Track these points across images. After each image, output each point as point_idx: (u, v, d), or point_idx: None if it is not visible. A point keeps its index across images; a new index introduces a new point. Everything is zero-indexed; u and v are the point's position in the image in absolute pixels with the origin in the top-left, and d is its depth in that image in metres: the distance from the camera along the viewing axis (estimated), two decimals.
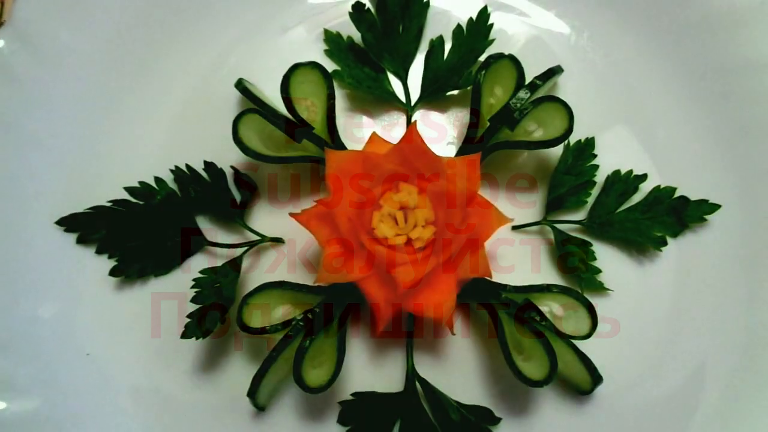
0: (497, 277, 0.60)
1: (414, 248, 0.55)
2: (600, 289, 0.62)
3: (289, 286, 0.58)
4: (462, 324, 0.63)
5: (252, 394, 0.56)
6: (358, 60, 0.69)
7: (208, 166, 0.64)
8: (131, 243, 0.63)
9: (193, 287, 0.59)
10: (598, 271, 0.63)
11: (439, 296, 0.56)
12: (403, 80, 0.68)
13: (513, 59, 0.63)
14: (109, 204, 0.62)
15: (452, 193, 0.55)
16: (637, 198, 0.64)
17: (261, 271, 0.64)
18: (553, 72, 0.62)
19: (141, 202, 0.63)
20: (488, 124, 0.61)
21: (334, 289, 0.59)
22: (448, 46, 0.69)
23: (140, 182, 0.63)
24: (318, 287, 0.59)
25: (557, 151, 0.65)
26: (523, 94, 0.60)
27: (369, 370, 0.62)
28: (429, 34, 0.70)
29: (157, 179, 0.64)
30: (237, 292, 0.59)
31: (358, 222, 0.55)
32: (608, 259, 0.64)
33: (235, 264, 0.60)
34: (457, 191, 0.55)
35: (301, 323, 0.56)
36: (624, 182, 0.65)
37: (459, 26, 0.69)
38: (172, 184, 0.64)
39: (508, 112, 0.60)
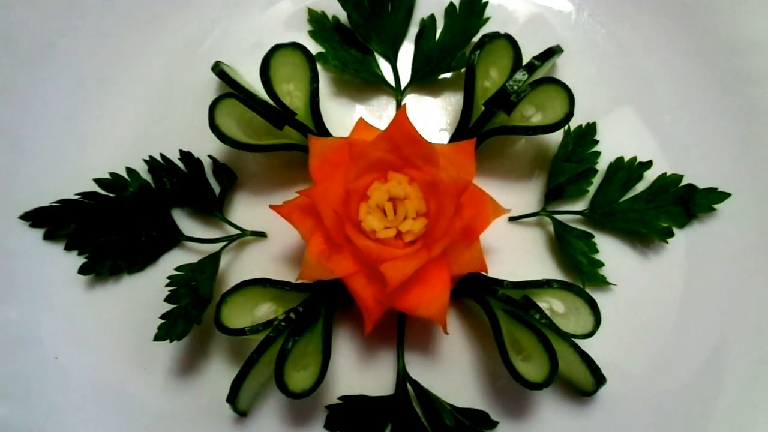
0: (493, 273, 0.56)
1: (404, 242, 0.52)
2: (602, 283, 0.59)
3: (270, 283, 0.54)
4: (456, 322, 0.59)
5: (232, 399, 0.52)
6: (344, 41, 0.65)
7: (185, 155, 0.60)
8: (102, 238, 0.59)
9: (167, 285, 0.55)
10: (601, 264, 0.59)
11: (431, 293, 0.52)
12: (393, 63, 0.64)
13: (509, 38, 0.58)
14: (77, 197, 0.58)
15: (445, 182, 0.51)
16: (641, 187, 0.61)
17: (242, 267, 0.60)
18: (552, 52, 0.58)
19: (112, 195, 0.59)
20: (483, 108, 0.57)
21: (318, 287, 0.55)
22: (440, 27, 0.64)
23: (111, 173, 0.59)
24: (302, 284, 0.55)
25: (556, 137, 0.61)
26: (520, 75, 0.56)
27: (357, 373, 0.58)
28: (420, 13, 0.66)
29: (129, 170, 0.60)
30: (215, 290, 0.55)
31: (343, 214, 0.52)
32: (611, 251, 0.60)
33: (213, 260, 0.56)
34: (449, 181, 0.51)
35: (283, 323, 0.52)
36: (627, 170, 0.61)
37: (452, 4, 0.64)
38: (145, 176, 0.60)
39: (504, 95, 0.56)
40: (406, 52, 0.65)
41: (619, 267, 0.60)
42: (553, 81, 0.56)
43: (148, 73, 0.63)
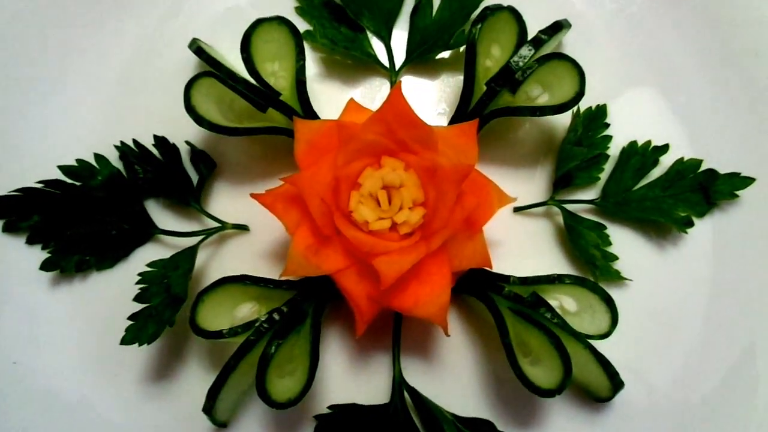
0: (498, 268, 0.51)
1: (399, 234, 0.47)
2: (617, 278, 0.54)
3: (252, 280, 0.49)
4: (458, 323, 0.54)
5: (208, 409, 0.47)
6: (333, 18, 0.60)
7: (159, 141, 0.55)
8: (68, 231, 0.53)
9: (138, 283, 0.50)
10: (615, 257, 0.54)
11: (429, 291, 0.47)
12: (386, 41, 0.59)
13: (513, 11, 0.54)
14: (40, 186, 0.53)
15: (444, 168, 0.46)
16: (657, 173, 0.56)
17: (222, 263, 0.55)
18: (560, 26, 0.53)
19: (78, 184, 0.53)
20: (484, 88, 0.52)
21: (305, 285, 0.50)
22: (437, 2, 0.59)
23: (78, 160, 0.54)
24: (287, 282, 0.50)
25: (564, 120, 0.56)
26: (525, 50, 0.51)
27: (349, 379, 0.53)
28: None
29: (98, 156, 0.54)
30: (192, 288, 0.50)
31: (332, 203, 0.47)
32: (625, 243, 0.55)
33: (188, 255, 0.51)
34: (450, 166, 0.46)
35: (265, 325, 0.47)
36: (642, 155, 0.56)
37: None
38: (116, 163, 0.55)
39: (508, 72, 0.51)
40: (401, 30, 0.60)
41: (635, 260, 0.55)
42: (561, 57, 0.51)
43: (117, 51, 0.58)
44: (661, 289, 0.54)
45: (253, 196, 0.48)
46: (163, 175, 0.55)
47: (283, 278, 0.48)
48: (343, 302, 0.50)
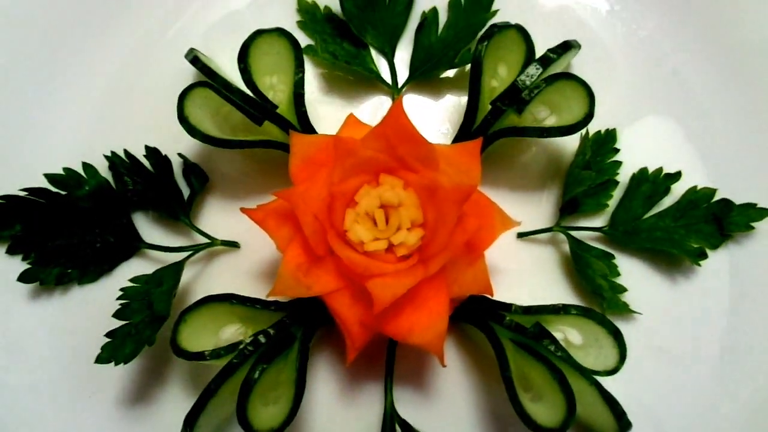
0: (500, 296, 0.49)
1: (396, 256, 0.44)
2: (625, 311, 0.51)
3: (238, 300, 0.47)
4: (455, 353, 0.51)
5: None
6: (336, 34, 0.58)
7: (151, 152, 0.53)
8: (50, 242, 0.51)
9: (119, 299, 0.47)
10: (623, 289, 0.51)
11: (426, 318, 0.44)
12: (389, 58, 0.58)
13: (521, 30, 0.52)
14: (23, 194, 0.50)
15: (445, 187, 0.43)
16: (668, 201, 0.53)
17: (210, 282, 0.53)
18: (569, 45, 0.51)
19: (63, 193, 0.51)
20: (489, 107, 0.50)
21: (295, 306, 0.47)
22: (442, 21, 0.58)
23: (65, 169, 0.52)
24: (275, 303, 0.47)
25: (572, 144, 0.54)
26: (533, 69, 0.49)
27: (338, 409, 0.50)
28: (421, 6, 0.59)
29: (86, 165, 0.52)
30: (177, 307, 0.48)
31: (326, 221, 0.44)
32: (635, 274, 0.53)
33: (173, 271, 0.48)
34: (451, 186, 0.43)
35: (249, 348, 0.44)
36: (652, 182, 0.54)
37: None
38: (105, 173, 0.53)
39: (515, 90, 0.49)
40: (405, 47, 0.58)
41: (645, 293, 0.52)
42: (570, 77, 0.49)
43: (112, 58, 0.56)
44: (672, 324, 0.51)
45: (243, 210, 0.46)
46: (153, 187, 0.53)
47: (271, 298, 0.45)
48: (334, 327, 0.47)
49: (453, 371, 0.50)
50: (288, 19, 0.58)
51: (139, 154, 0.53)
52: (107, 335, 0.45)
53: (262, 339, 0.44)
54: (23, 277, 0.50)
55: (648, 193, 0.54)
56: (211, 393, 0.43)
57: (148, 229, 0.53)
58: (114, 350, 0.45)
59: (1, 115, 0.54)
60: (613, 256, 0.53)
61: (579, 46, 0.53)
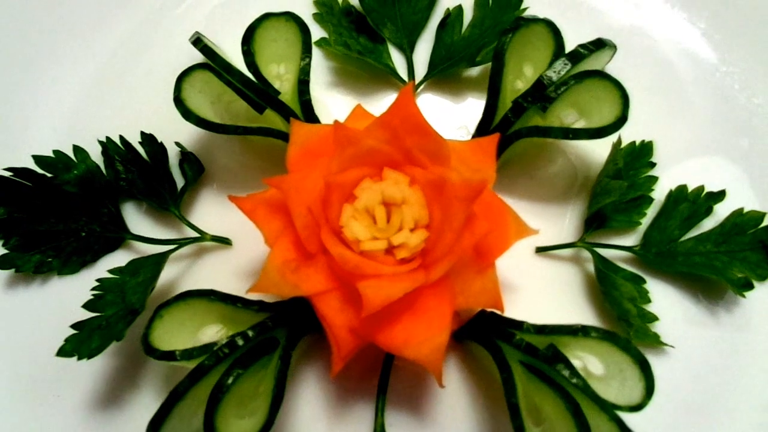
0: (511, 313, 0.43)
1: (395, 259, 0.39)
2: (655, 343, 0.45)
3: (218, 297, 0.42)
4: (457, 374, 0.45)
5: None
6: (354, 28, 0.55)
7: (146, 138, 0.50)
8: (33, 227, 0.48)
9: (93, 289, 0.43)
10: (654, 318, 0.45)
11: (424, 329, 0.39)
12: (408, 54, 0.54)
13: (550, 25, 0.48)
14: (8, 174, 0.48)
15: (453, 184, 0.38)
16: (709, 224, 0.48)
17: (198, 280, 0.49)
18: (602, 43, 0.47)
19: (50, 175, 0.48)
20: (510, 105, 0.46)
21: (281, 308, 0.43)
22: (466, 19, 0.54)
23: (54, 151, 0.49)
24: (259, 303, 0.43)
25: (603, 156, 0.49)
26: (561, 65, 0.45)
27: (323, 427, 0.44)
28: (445, 2, 0.56)
29: (77, 149, 0.49)
30: (153, 302, 0.43)
31: (321, 215, 0.40)
32: (667, 302, 0.47)
33: (152, 263, 0.44)
34: (460, 182, 0.38)
35: (225, 350, 0.39)
36: (692, 202, 0.48)
37: None
38: (97, 158, 0.50)
39: (540, 87, 0.44)
40: (424, 45, 0.55)
41: (678, 324, 0.46)
42: (602, 75, 0.44)
43: (113, 37, 0.54)
44: (709, 361, 0.45)
45: (231, 198, 0.41)
46: (146, 175, 0.49)
47: (251, 295, 0.41)
48: (324, 337, 0.42)
49: (454, 395, 0.44)
50: (304, 12, 0.55)
51: (135, 140, 0.50)
52: (74, 326, 0.41)
53: (239, 341, 0.40)
54: (1, 263, 0.47)
55: (687, 214, 0.48)
56: (178, 396, 0.38)
57: (136, 220, 0.50)
58: (79, 343, 0.41)
59: None
60: (643, 280, 0.47)
61: (614, 47, 0.48)
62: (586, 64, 0.46)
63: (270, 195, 0.42)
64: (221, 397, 0.38)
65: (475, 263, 0.41)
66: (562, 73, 0.44)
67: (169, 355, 0.40)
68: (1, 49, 0.53)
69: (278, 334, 0.41)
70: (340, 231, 0.40)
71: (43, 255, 0.48)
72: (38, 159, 0.49)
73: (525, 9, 0.53)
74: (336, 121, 0.40)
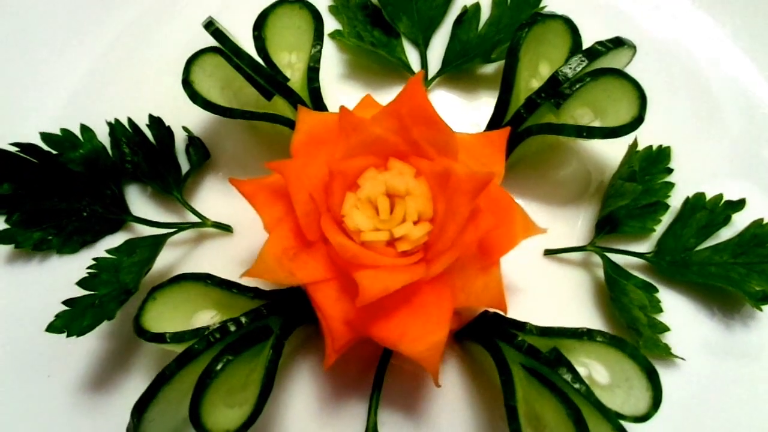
0: (515, 314, 0.42)
1: (396, 251, 0.38)
2: (666, 354, 0.43)
3: (214, 281, 0.41)
4: (456, 375, 0.44)
5: (132, 429, 0.38)
6: (369, 22, 0.54)
7: (154, 121, 0.50)
8: (37, 204, 0.47)
9: (89, 267, 0.42)
10: (665, 328, 0.43)
11: (422, 325, 0.37)
12: (422, 49, 0.53)
13: (568, 22, 0.46)
14: (14, 149, 0.47)
15: (458, 176, 0.37)
16: (727, 233, 0.46)
17: (196, 265, 0.48)
18: (621, 42, 0.45)
19: (55, 152, 0.48)
20: (523, 101, 0.44)
21: (277, 297, 0.42)
22: (484, 17, 0.53)
23: (62, 129, 0.49)
24: (255, 290, 0.42)
25: (618, 156, 0.47)
26: (577, 61, 0.43)
27: (313, 424, 0.43)
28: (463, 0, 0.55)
29: (84, 128, 0.49)
30: (149, 285, 0.42)
31: (322, 203, 0.39)
32: (680, 313, 0.45)
33: (150, 244, 0.44)
34: (465, 174, 0.37)
35: (216, 335, 0.38)
36: (710, 210, 0.46)
37: None
38: (104, 139, 0.49)
39: (554, 83, 0.43)
40: (438, 40, 0.54)
41: (691, 336, 0.44)
42: (619, 73, 0.43)
43: (126, 17, 0.54)
44: (721, 376, 0.43)
45: (232, 181, 0.41)
46: (151, 158, 0.49)
47: (248, 282, 0.40)
48: (321, 330, 0.41)
49: (450, 397, 0.43)
50: (319, 4, 0.54)
51: (143, 122, 0.50)
52: (66, 303, 0.41)
53: (231, 327, 0.39)
54: (1, 237, 0.46)
55: (703, 222, 0.46)
56: (164, 379, 0.37)
57: (139, 203, 0.49)
58: (70, 320, 0.40)
59: (7, 70, 0.52)
60: (656, 289, 0.45)
61: (634, 47, 0.47)
62: (603, 63, 0.45)
63: (272, 180, 0.41)
64: (209, 382, 0.37)
65: (478, 260, 0.39)
66: (578, 69, 0.43)
67: (159, 338, 0.39)
68: (15, 27, 0.53)
69: (272, 322, 0.40)
70: (341, 220, 0.39)
71: (44, 232, 0.47)
72: (45, 136, 0.48)
73: (543, 8, 0.52)
74: (342, 107, 0.39)
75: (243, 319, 0.39)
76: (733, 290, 0.43)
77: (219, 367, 0.37)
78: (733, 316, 0.45)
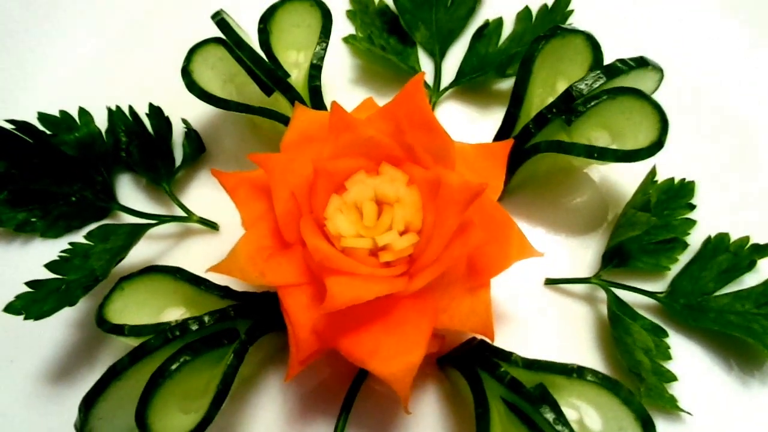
0: (503, 343, 0.38)
1: (378, 262, 0.35)
2: (670, 407, 0.38)
3: (184, 276, 0.39)
4: (433, 402, 0.40)
5: (80, 426, 0.35)
6: (385, 29, 0.52)
7: (154, 110, 0.48)
8: (28, 184, 0.46)
9: (62, 252, 0.41)
10: (672, 377, 0.39)
11: (396, 343, 0.34)
12: (437, 60, 0.51)
13: (590, 39, 0.43)
14: (11, 127, 0.46)
15: (449, 184, 0.34)
16: (751, 280, 0.41)
17: (176, 261, 0.45)
18: (645, 62, 0.42)
19: (50, 133, 0.47)
20: (533, 114, 0.41)
21: (249, 299, 0.39)
22: (506, 32, 0.51)
23: (61, 111, 0.48)
24: (227, 290, 0.39)
25: (635, 180, 0.44)
26: (594, 76, 0.40)
27: None
28: (485, 14, 0.53)
29: (82, 111, 0.48)
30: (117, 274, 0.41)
31: (304, 203, 0.36)
32: (691, 362, 0.40)
33: (125, 231, 0.42)
34: (456, 183, 0.34)
35: (176, 332, 0.36)
36: (734, 254, 0.42)
37: (527, 9, 0.51)
38: (101, 123, 0.48)
39: (568, 98, 0.40)
40: (454, 52, 0.51)
41: (701, 389, 0.39)
42: (639, 94, 0.40)
43: (137, 4, 0.53)
44: None
45: (214, 173, 0.39)
46: (145, 148, 0.47)
47: (218, 277, 0.38)
48: None
49: (426, 427, 0.39)
50: (337, 8, 0.53)
51: (143, 111, 0.48)
52: (29, 284, 0.39)
53: (193, 326, 0.36)
54: None
55: (725, 266, 0.42)
56: (115, 374, 0.34)
57: (129, 193, 0.48)
58: (31, 302, 0.38)
59: (11, 48, 0.52)
60: (665, 333, 0.41)
61: (660, 71, 0.43)
62: (623, 84, 0.42)
63: (256, 175, 0.39)
64: (161, 382, 0.34)
65: (467, 280, 0.36)
66: (595, 86, 0.40)
67: (118, 329, 0.37)
68: (20, 10, 0.53)
69: (239, 325, 0.37)
70: (323, 223, 0.36)
71: (29, 213, 0.46)
72: (42, 116, 0.48)
73: (569, 25, 0.49)
74: (334, 103, 0.37)
75: (206, 318, 0.36)
76: (754, 343, 0.39)
77: (174, 366, 0.35)
78: (752, 373, 0.40)
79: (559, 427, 0.32)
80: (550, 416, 0.32)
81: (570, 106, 0.40)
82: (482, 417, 0.33)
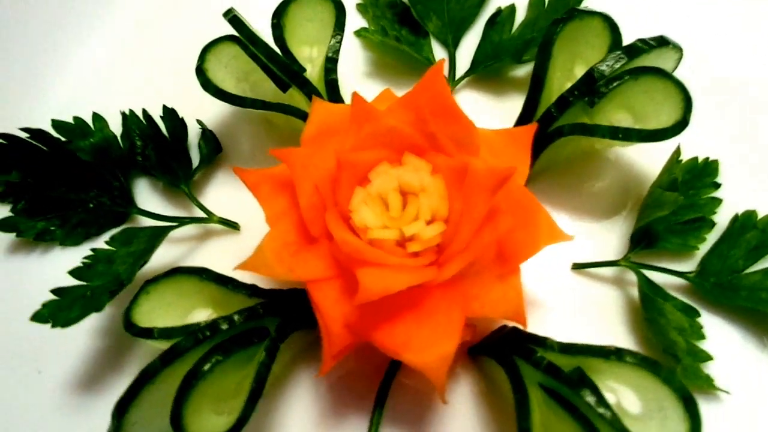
0: (536, 330, 0.37)
1: (406, 252, 0.35)
2: (707, 386, 0.38)
3: (210, 276, 0.39)
4: (466, 393, 0.39)
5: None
6: (397, 21, 0.52)
7: (168, 113, 0.48)
8: (45, 192, 0.46)
9: (85, 258, 0.40)
10: (707, 357, 0.39)
11: (429, 333, 0.34)
12: (451, 50, 0.50)
13: (608, 20, 0.43)
14: (25, 135, 0.46)
15: (476, 171, 0.34)
16: None
17: (200, 263, 0.45)
18: (666, 42, 0.41)
19: (64, 139, 0.47)
20: (553, 99, 0.41)
21: (277, 295, 0.39)
22: (519, 19, 0.50)
23: (75, 118, 0.47)
24: (254, 288, 0.39)
25: (656, 163, 0.43)
26: (615, 58, 0.40)
27: None
28: (497, 1, 0.52)
29: (96, 117, 0.48)
30: (142, 277, 0.40)
31: (329, 196, 0.36)
32: (725, 341, 0.40)
33: (149, 235, 0.41)
34: (483, 169, 0.34)
35: (206, 332, 0.35)
36: (762, 230, 0.41)
37: None
38: (116, 128, 0.48)
39: (590, 80, 0.40)
40: (468, 41, 0.51)
41: (737, 367, 0.39)
42: (661, 73, 0.39)
43: (146, 7, 0.53)
44: None
45: (236, 170, 0.38)
46: (162, 151, 0.47)
47: (244, 276, 0.37)
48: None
49: (461, 418, 0.38)
50: (346, 2, 0.53)
51: (158, 114, 0.48)
52: (54, 292, 0.38)
53: (223, 325, 0.36)
54: (2, 224, 0.45)
55: (755, 243, 0.41)
56: (147, 378, 0.34)
57: (148, 197, 0.48)
58: (57, 310, 0.37)
59: (23, 54, 0.52)
60: (697, 313, 0.40)
61: (680, 50, 0.43)
62: (644, 64, 0.41)
63: (278, 171, 0.38)
64: (195, 383, 0.34)
65: (496, 267, 0.36)
66: (616, 67, 0.40)
67: (147, 333, 0.36)
68: (32, 15, 0.53)
69: (268, 323, 0.37)
70: (348, 216, 0.36)
71: (47, 222, 0.46)
72: (56, 123, 0.47)
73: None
74: (355, 94, 0.37)
75: (236, 317, 0.36)
76: None
77: (207, 367, 0.34)
78: None
79: (600, 410, 0.31)
80: (591, 399, 0.32)
81: (592, 87, 0.39)
82: (521, 404, 0.33)
